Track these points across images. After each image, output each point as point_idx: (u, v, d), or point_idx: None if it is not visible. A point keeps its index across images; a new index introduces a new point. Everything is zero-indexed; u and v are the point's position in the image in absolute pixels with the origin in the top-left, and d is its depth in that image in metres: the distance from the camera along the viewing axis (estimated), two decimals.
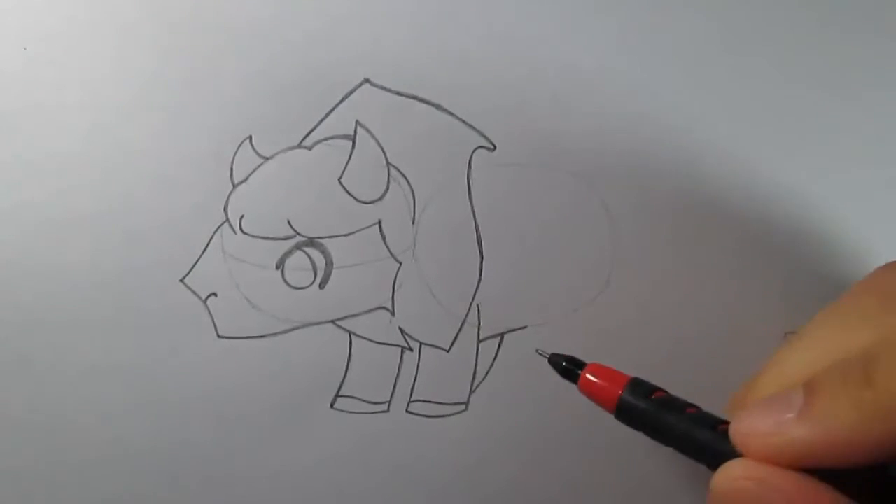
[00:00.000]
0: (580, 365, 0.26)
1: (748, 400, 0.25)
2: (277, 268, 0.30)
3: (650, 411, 0.24)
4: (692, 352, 0.31)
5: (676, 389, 0.32)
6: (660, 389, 0.25)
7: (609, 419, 0.31)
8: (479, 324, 0.31)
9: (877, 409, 0.20)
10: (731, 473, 0.22)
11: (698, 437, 0.24)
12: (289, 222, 0.30)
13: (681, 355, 0.31)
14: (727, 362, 0.31)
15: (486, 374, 0.31)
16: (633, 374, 0.31)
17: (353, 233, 0.31)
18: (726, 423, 0.23)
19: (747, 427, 0.23)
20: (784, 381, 0.23)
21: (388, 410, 0.31)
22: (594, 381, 0.26)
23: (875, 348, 0.21)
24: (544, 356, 0.27)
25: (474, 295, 0.31)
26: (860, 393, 0.20)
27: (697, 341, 0.31)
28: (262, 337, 0.30)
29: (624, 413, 0.25)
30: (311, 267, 0.30)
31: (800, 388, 0.22)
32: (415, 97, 0.31)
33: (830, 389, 0.21)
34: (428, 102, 0.31)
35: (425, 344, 0.31)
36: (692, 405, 0.25)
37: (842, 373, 0.21)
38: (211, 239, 0.30)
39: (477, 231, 0.31)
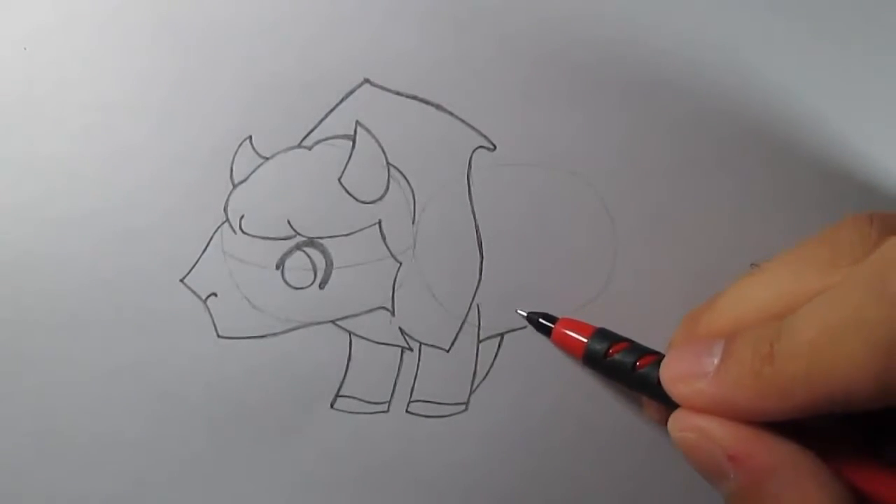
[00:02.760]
0: (553, 320, 0.30)
1: (685, 331, 0.26)
2: (277, 268, 0.30)
3: (611, 359, 0.28)
4: None
5: None
6: (625, 340, 0.28)
7: (608, 419, 0.31)
8: (479, 324, 0.31)
9: (772, 386, 0.20)
10: (674, 425, 0.23)
11: (653, 378, 0.26)
12: (289, 222, 0.30)
13: None
14: None
15: (486, 374, 0.31)
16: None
17: (353, 233, 0.31)
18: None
19: (671, 370, 0.24)
20: (728, 317, 0.24)
21: (388, 410, 0.31)
22: (565, 333, 0.29)
23: (790, 321, 0.21)
24: (522, 314, 0.31)
25: (474, 295, 0.31)
26: (762, 367, 0.21)
27: None
28: (262, 337, 0.30)
29: (589, 360, 0.28)
30: (311, 267, 0.30)
31: (721, 342, 0.23)
32: (415, 97, 0.31)
33: (740, 354, 0.22)
34: (428, 102, 0.31)
35: (425, 344, 0.31)
36: (653, 352, 0.27)
37: (754, 341, 0.21)
38: (211, 239, 0.30)
39: (477, 231, 0.31)
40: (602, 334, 0.28)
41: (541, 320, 0.30)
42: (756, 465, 0.21)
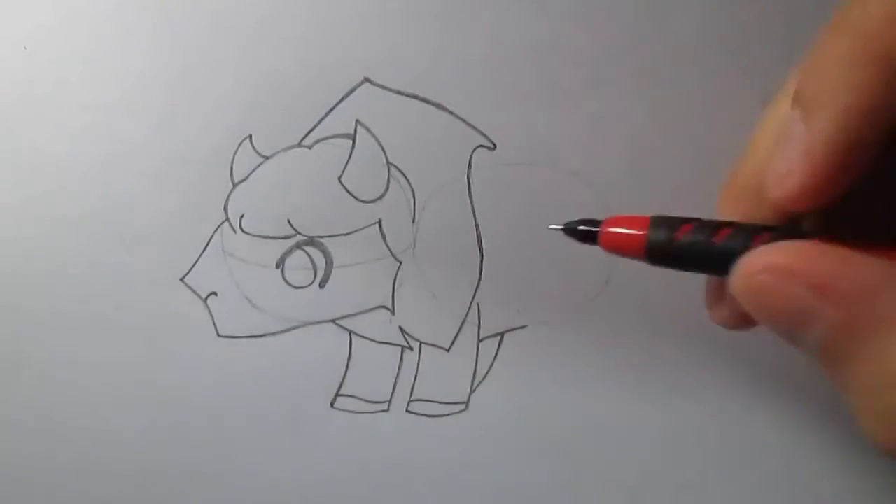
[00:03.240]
0: (596, 223, 0.24)
1: (737, 179, 0.22)
2: (277, 267, 0.30)
3: (680, 243, 0.22)
4: (693, 351, 0.31)
5: (677, 385, 0.32)
6: (689, 220, 0.22)
7: (608, 419, 0.31)
8: (479, 323, 0.31)
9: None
10: (741, 274, 0.19)
11: (740, 250, 0.20)
12: (289, 221, 0.30)
13: (682, 354, 0.31)
14: (730, 357, 0.31)
15: (486, 373, 0.31)
16: (633, 372, 0.31)
17: (353, 232, 0.31)
18: (767, 229, 0.20)
19: (772, 172, 0.19)
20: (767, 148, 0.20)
21: (388, 410, 0.31)
22: (614, 233, 0.23)
23: None
24: (559, 228, 0.25)
25: (474, 294, 0.31)
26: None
27: (698, 340, 0.31)
28: (262, 336, 0.30)
29: (654, 252, 0.23)
30: (311, 266, 0.30)
31: (795, 111, 0.19)
32: (415, 97, 0.31)
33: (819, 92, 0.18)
34: (428, 102, 0.31)
35: (425, 343, 0.31)
36: (727, 223, 0.22)
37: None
38: (211, 238, 0.30)
39: (477, 231, 0.31)
40: (659, 221, 0.23)
41: (581, 228, 0.24)
42: (851, 288, 0.17)
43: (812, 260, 0.18)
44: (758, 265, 0.18)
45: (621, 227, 0.23)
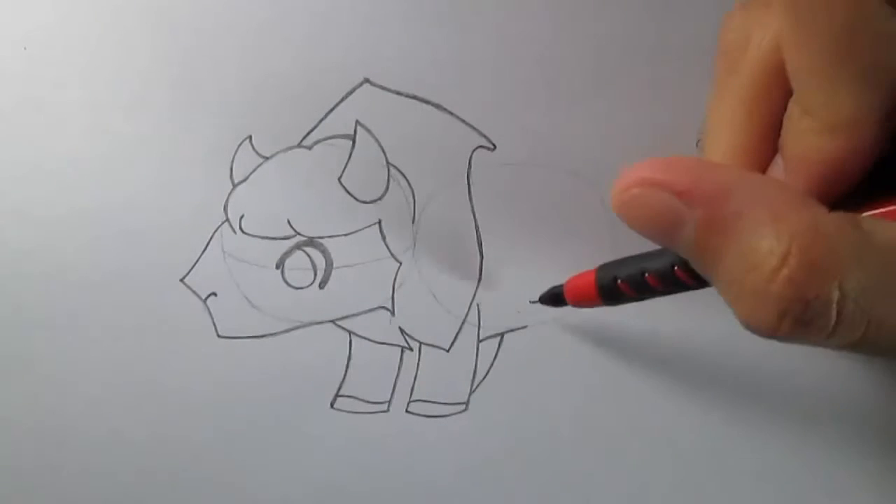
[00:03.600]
0: (559, 288, 0.29)
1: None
2: (277, 267, 0.30)
3: (619, 283, 0.26)
4: (693, 350, 0.31)
5: (677, 383, 0.32)
6: (625, 262, 0.26)
7: (608, 419, 0.31)
8: (479, 324, 0.31)
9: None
10: (614, 193, 0.21)
11: (659, 266, 0.24)
12: (289, 222, 0.30)
13: (682, 354, 0.31)
14: (730, 357, 0.31)
15: (486, 374, 0.31)
16: (633, 374, 0.32)
17: (353, 232, 0.31)
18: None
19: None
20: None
21: (388, 410, 0.31)
22: (575, 294, 0.28)
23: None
24: (536, 302, 0.30)
25: (474, 295, 0.31)
26: None
27: (698, 340, 0.31)
28: (262, 337, 0.30)
29: (608, 297, 0.27)
30: (311, 267, 0.30)
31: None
32: (415, 97, 0.31)
33: None
34: (428, 102, 0.31)
35: (425, 344, 0.31)
36: (652, 254, 0.25)
37: None
38: (211, 239, 0.30)
39: (477, 231, 0.31)
40: (602, 271, 0.27)
41: (551, 296, 0.29)
42: (709, 190, 0.19)
43: (674, 170, 0.19)
44: (629, 180, 0.20)
45: (578, 285, 0.28)
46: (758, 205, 0.19)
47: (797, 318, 0.18)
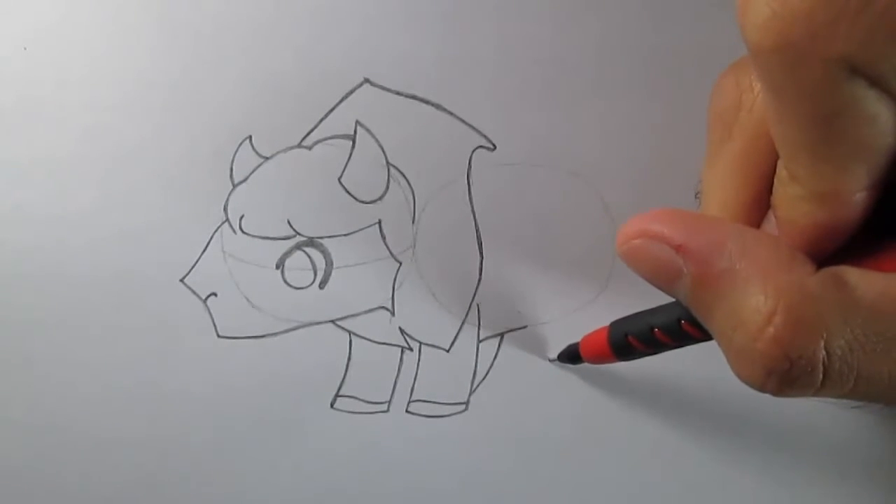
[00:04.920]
0: (575, 347, 0.29)
1: None
2: (277, 268, 0.30)
3: (629, 339, 0.26)
4: (693, 351, 0.31)
5: (677, 383, 0.32)
6: (634, 319, 0.27)
7: (607, 419, 0.31)
8: (479, 324, 0.31)
9: None
10: (619, 241, 0.21)
11: (666, 321, 0.25)
12: (289, 222, 0.30)
13: (682, 354, 0.31)
14: None
15: (486, 374, 0.31)
16: (633, 374, 0.32)
17: (353, 232, 0.31)
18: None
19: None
20: None
21: (387, 410, 0.31)
22: (589, 352, 0.28)
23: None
24: (555, 361, 0.31)
25: (474, 295, 0.31)
26: None
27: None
28: (262, 337, 0.30)
29: (620, 354, 0.27)
30: (311, 267, 0.30)
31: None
32: (415, 97, 0.31)
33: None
34: (428, 102, 0.31)
35: (425, 344, 0.31)
36: (662, 308, 0.26)
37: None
38: (211, 239, 0.30)
39: (477, 231, 0.31)
40: (614, 328, 0.27)
41: (569, 355, 0.30)
42: (702, 245, 0.20)
43: (672, 223, 0.20)
44: (631, 232, 0.21)
45: (592, 344, 0.28)
46: (747, 261, 0.19)
47: (783, 376, 0.18)
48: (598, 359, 0.28)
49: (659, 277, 0.21)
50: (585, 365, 0.30)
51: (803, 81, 0.17)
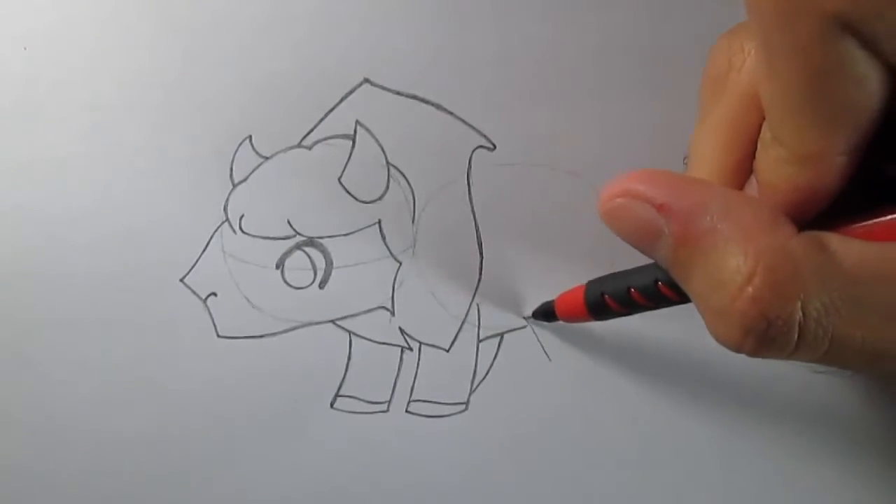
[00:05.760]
0: (550, 304, 0.29)
1: None
2: (277, 267, 0.30)
3: (605, 298, 0.26)
4: (693, 351, 0.31)
5: (677, 383, 0.32)
6: (611, 279, 0.27)
7: (607, 419, 0.31)
8: (479, 324, 0.31)
9: None
10: (601, 201, 0.21)
11: (643, 282, 0.24)
12: (289, 222, 0.30)
13: (682, 354, 0.31)
14: (730, 358, 0.31)
15: (486, 374, 0.31)
16: (633, 374, 0.32)
17: (353, 232, 0.31)
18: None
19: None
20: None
21: (387, 410, 0.31)
22: (565, 310, 0.29)
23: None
24: (529, 319, 0.31)
25: (474, 295, 0.31)
26: None
27: (698, 340, 0.31)
28: (262, 337, 0.30)
29: (596, 313, 0.27)
30: (310, 267, 0.30)
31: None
32: (415, 97, 0.31)
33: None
34: (428, 102, 0.31)
35: (425, 344, 0.31)
36: (636, 270, 0.26)
37: None
38: (211, 239, 0.30)
39: (477, 231, 0.31)
40: (591, 287, 0.27)
41: (544, 312, 0.30)
42: (685, 206, 0.20)
43: (656, 184, 0.20)
44: (614, 190, 0.21)
45: (567, 301, 0.28)
46: (730, 222, 0.19)
47: (759, 336, 0.19)
48: (574, 317, 0.29)
49: (640, 237, 0.21)
50: (587, 361, 0.30)
51: (796, 36, 0.17)
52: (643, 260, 0.23)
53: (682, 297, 0.23)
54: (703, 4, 0.31)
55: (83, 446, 0.30)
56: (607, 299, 0.26)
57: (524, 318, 0.31)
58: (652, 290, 0.24)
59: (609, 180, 0.21)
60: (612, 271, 0.31)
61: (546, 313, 0.30)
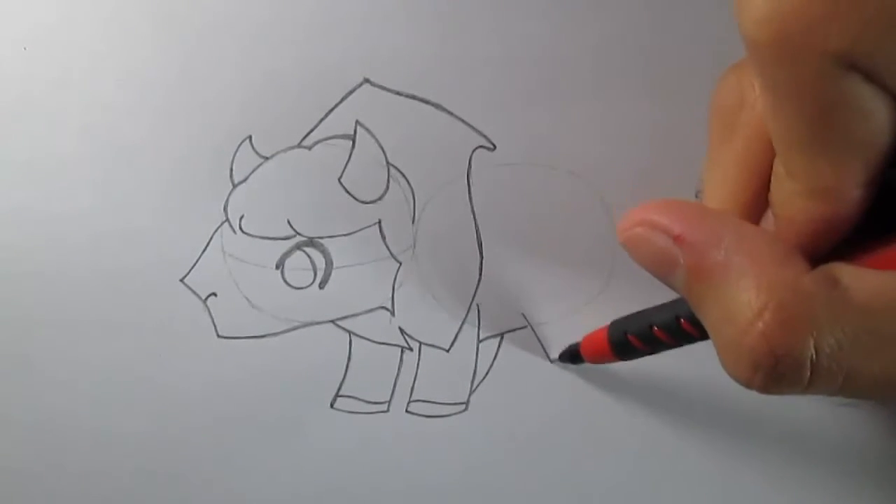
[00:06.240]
0: (576, 347, 0.29)
1: None
2: (277, 268, 0.30)
3: (629, 338, 0.26)
4: (693, 351, 0.31)
5: (677, 383, 0.32)
6: (633, 319, 0.27)
7: (607, 419, 0.31)
8: (479, 324, 0.31)
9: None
10: (620, 229, 0.22)
11: (665, 319, 0.25)
12: (289, 222, 0.30)
13: (682, 354, 0.31)
14: None
15: (486, 374, 0.31)
16: (632, 374, 0.32)
17: (353, 233, 0.31)
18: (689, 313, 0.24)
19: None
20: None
21: (387, 410, 0.31)
22: (590, 351, 0.29)
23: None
24: (556, 361, 0.31)
25: (474, 295, 0.31)
26: None
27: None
28: (262, 337, 0.30)
29: (621, 353, 0.27)
30: (310, 267, 0.30)
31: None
32: (415, 97, 0.31)
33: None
34: (428, 102, 0.31)
35: (425, 344, 0.31)
36: (660, 308, 0.26)
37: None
38: (211, 239, 0.30)
39: (477, 231, 0.31)
40: (614, 327, 0.28)
41: (570, 355, 0.30)
42: (699, 237, 0.20)
43: (672, 214, 0.20)
44: (632, 219, 0.21)
45: (592, 344, 0.28)
46: (743, 256, 0.19)
47: (768, 372, 0.18)
48: (599, 358, 0.29)
49: (657, 267, 0.21)
50: (586, 365, 0.30)
51: (799, 76, 0.17)
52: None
53: (703, 334, 0.23)
54: (703, 4, 0.31)
55: (83, 446, 0.30)
56: (631, 338, 0.26)
57: (550, 360, 0.31)
58: (674, 327, 0.24)
59: (630, 211, 0.21)
60: (610, 273, 0.31)
61: (572, 355, 0.30)
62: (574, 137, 0.31)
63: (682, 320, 0.24)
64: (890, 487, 0.30)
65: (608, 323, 0.28)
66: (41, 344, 0.30)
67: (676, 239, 0.20)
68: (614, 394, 0.31)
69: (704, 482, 0.31)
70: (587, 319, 0.30)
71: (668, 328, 0.25)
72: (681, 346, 0.25)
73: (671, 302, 0.24)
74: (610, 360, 0.28)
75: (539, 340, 0.31)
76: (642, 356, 0.27)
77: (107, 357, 0.30)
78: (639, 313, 0.26)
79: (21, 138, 0.30)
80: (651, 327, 0.25)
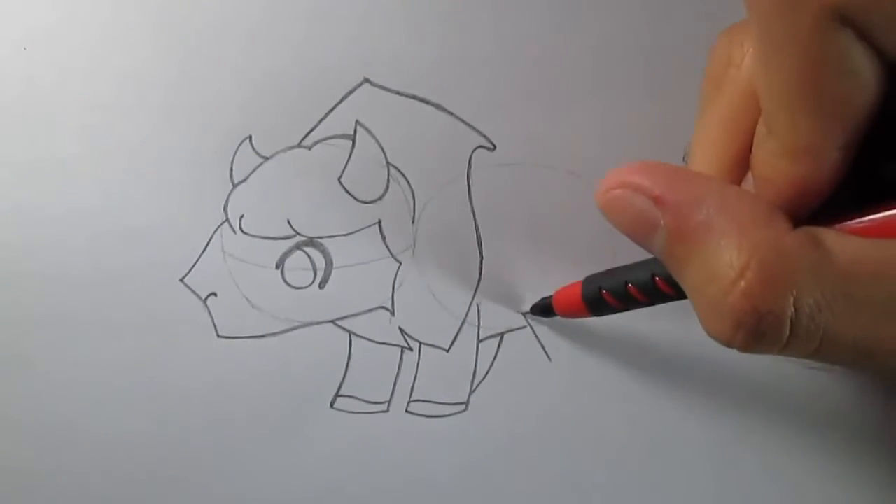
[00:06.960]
0: (548, 299, 0.30)
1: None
2: (277, 267, 0.30)
3: (603, 294, 0.26)
4: (693, 351, 0.31)
5: (676, 384, 0.32)
6: (608, 275, 0.27)
7: (607, 419, 0.31)
8: (479, 324, 0.31)
9: None
10: (599, 191, 0.21)
11: (640, 277, 0.25)
12: (288, 222, 0.30)
13: (682, 354, 0.31)
14: (730, 358, 0.31)
15: (486, 374, 0.31)
16: (632, 374, 0.32)
17: (353, 232, 0.31)
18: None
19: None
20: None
21: (387, 410, 0.31)
22: (563, 305, 0.29)
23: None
24: (527, 314, 0.31)
25: (474, 295, 0.31)
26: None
27: (698, 341, 0.31)
28: (261, 337, 0.30)
29: (594, 308, 0.27)
30: (310, 267, 0.30)
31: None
32: (415, 97, 0.31)
33: None
34: (428, 102, 0.31)
35: (425, 344, 0.31)
36: (635, 266, 0.26)
37: None
38: (211, 239, 0.30)
39: (477, 231, 0.31)
40: (588, 283, 0.28)
41: (542, 307, 0.30)
42: (681, 198, 0.20)
43: (653, 176, 0.20)
44: (612, 181, 0.21)
45: (565, 296, 0.28)
46: (724, 216, 0.19)
47: (750, 330, 0.18)
48: (572, 313, 0.29)
49: (636, 229, 0.21)
50: (587, 361, 0.30)
51: (793, 27, 0.17)
52: (642, 256, 0.23)
53: (678, 293, 0.23)
54: (703, 4, 0.31)
55: (83, 446, 0.30)
56: (604, 294, 0.26)
57: (522, 313, 0.31)
58: (649, 286, 0.24)
59: (608, 172, 0.21)
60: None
61: (544, 309, 0.30)
62: (573, 137, 0.31)
63: (658, 278, 0.24)
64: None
65: (583, 278, 0.28)
66: (41, 344, 0.30)
67: (657, 200, 0.20)
68: (614, 393, 0.31)
69: (704, 481, 0.31)
70: (587, 319, 0.30)
71: (644, 286, 0.24)
72: (654, 304, 0.25)
73: (646, 260, 0.24)
74: (582, 315, 0.28)
75: (539, 340, 0.31)
76: (615, 312, 0.27)
77: (107, 357, 0.30)
78: (614, 269, 0.26)
79: (21, 138, 0.30)
80: (626, 284, 0.25)
